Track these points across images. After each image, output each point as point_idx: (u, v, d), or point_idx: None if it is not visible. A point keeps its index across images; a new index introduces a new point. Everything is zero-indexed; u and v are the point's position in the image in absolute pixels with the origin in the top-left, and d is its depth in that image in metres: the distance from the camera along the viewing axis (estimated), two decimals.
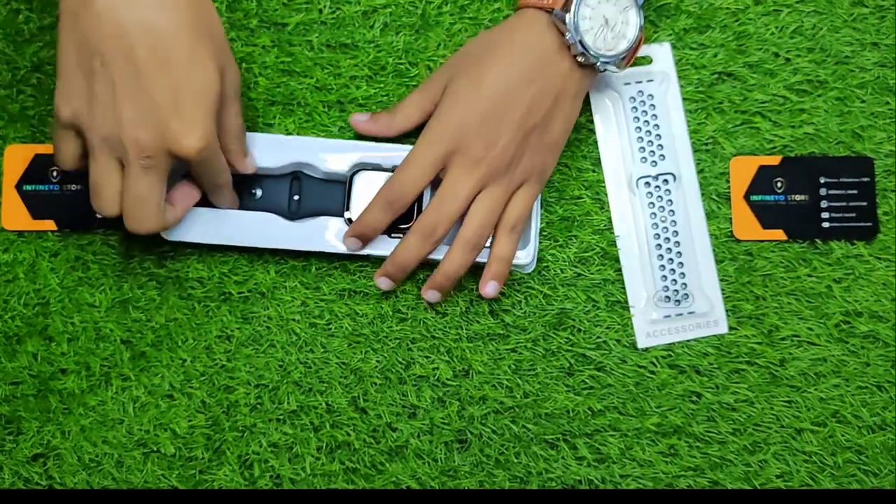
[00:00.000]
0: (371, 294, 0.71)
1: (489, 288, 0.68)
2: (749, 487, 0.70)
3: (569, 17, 0.63)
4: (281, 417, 0.70)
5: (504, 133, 0.64)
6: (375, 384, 0.70)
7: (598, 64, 0.65)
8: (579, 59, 0.65)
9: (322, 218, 0.69)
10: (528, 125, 0.64)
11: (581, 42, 0.63)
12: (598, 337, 0.71)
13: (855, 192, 0.73)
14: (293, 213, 0.69)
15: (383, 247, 0.68)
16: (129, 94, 0.56)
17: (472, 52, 0.66)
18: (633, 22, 0.65)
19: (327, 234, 0.68)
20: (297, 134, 0.72)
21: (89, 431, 0.69)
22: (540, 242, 0.71)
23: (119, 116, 0.57)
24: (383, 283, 0.69)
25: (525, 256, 0.69)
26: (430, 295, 0.69)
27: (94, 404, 0.70)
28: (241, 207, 0.69)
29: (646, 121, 0.73)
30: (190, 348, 0.70)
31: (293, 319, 0.71)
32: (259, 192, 0.69)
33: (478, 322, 0.71)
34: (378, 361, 0.70)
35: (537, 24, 0.64)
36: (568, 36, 0.63)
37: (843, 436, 0.71)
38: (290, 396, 0.70)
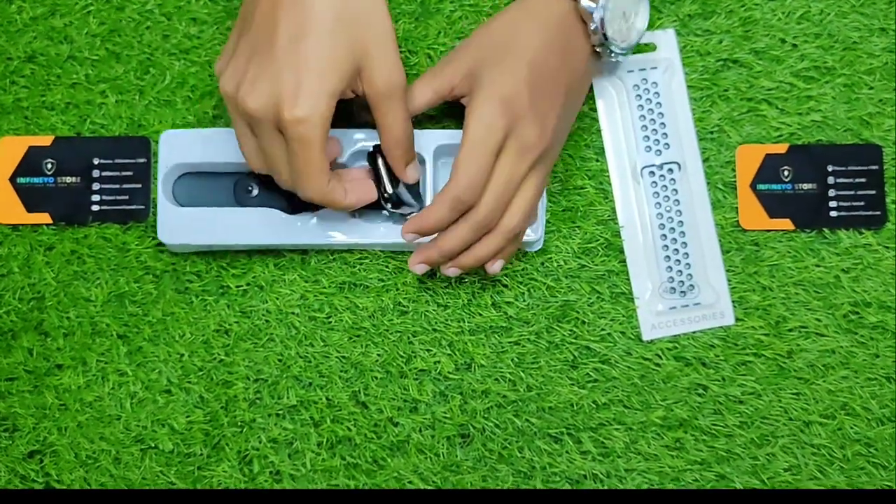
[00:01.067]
0: (371, 287, 0.70)
1: (497, 266, 0.66)
2: (756, 481, 0.69)
3: (596, 10, 0.63)
4: (280, 412, 0.69)
5: (550, 114, 0.63)
6: (376, 378, 0.69)
7: (612, 54, 0.65)
8: (597, 49, 0.65)
9: (325, 210, 0.67)
10: (565, 106, 0.64)
11: (604, 34, 0.63)
12: (603, 329, 0.70)
13: (863, 180, 0.72)
14: (294, 207, 0.68)
15: (380, 235, 0.67)
16: (259, 54, 0.58)
17: (498, 34, 0.64)
18: (643, 13, 0.65)
19: (333, 226, 0.67)
20: None
21: (86, 428, 0.68)
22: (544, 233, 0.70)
23: (244, 71, 0.58)
24: (420, 268, 0.66)
25: (533, 233, 0.68)
26: (452, 271, 0.67)
27: (90, 400, 0.69)
28: (238, 204, 0.68)
29: (650, 109, 0.72)
30: (187, 343, 0.69)
31: (292, 313, 0.70)
32: (255, 189, 0.68)
33: (480, 314, 0.70)
34: (379, 355, 0.69)
35: (560, 8, 0.63)
36: (593, 27, 0.63)
37: (851, 428, 0.70)
38: (289, 391, 0.69)
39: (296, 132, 0.57)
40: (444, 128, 0.71)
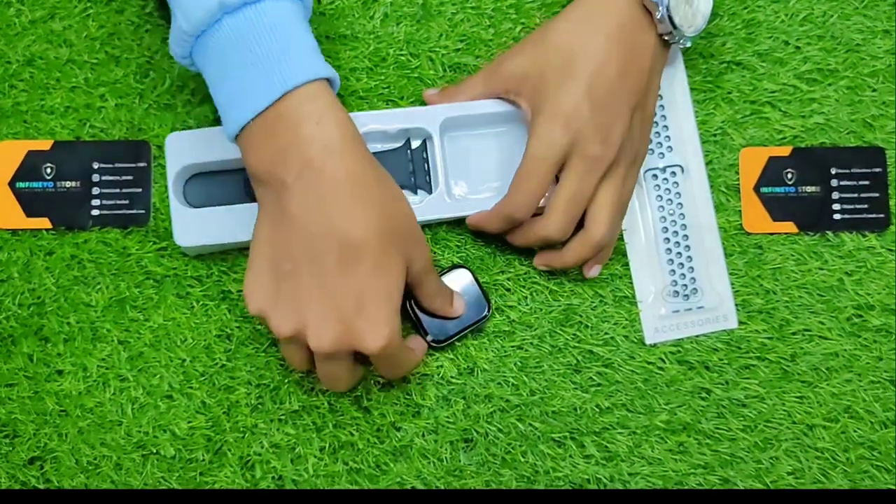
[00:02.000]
0: None
1: (594, 271, 0.68)
2: (760, 485, 0.69)
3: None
4: (283, 418, 0.68)
5: (616, 120, 0.63)
6: (379, 383, 0.69)
7: (680, 40, 0.65)
8: (665, 37, 0.64)
9: None
10: (632, 106, 0.63)
11: (670, 19, 0.63)
12: (606, 333, 0.70)
13: (867, 182, 0.71)
14: None
15: None
16: (316, 296, 0.57)
17: (558, 44, 0.63)
18: None
19: None
20: None
21: (87, 434, 0.68)
22: None
23: (303, 316, 0.58)
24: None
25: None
26: (539, 264, 0.69)
27: (91, 406, 0.68)
28: (250, 200, 0.67)
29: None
30: (189, 348, 0.69)
31: None
32: None
33: None
34: None
35: (621, 5, 0.63)
36: (658, 14, 0.63)
37: (855, 432, 0.69)
38: (291, 396, 0.68)
39: (382, 355, 0.59)
40: None
